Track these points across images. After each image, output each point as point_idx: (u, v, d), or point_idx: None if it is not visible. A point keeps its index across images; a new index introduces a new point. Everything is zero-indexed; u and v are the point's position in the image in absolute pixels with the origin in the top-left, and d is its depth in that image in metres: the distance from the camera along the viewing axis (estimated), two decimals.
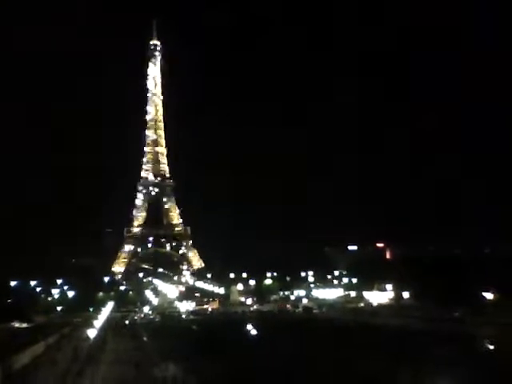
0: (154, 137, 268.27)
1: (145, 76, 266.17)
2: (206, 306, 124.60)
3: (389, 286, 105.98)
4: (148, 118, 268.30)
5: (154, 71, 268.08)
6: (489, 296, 67.21)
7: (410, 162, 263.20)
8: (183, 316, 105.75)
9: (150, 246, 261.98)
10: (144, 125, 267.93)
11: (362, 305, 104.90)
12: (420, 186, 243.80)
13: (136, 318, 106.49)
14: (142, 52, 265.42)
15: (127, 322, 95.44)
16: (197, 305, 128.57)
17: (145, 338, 63.11)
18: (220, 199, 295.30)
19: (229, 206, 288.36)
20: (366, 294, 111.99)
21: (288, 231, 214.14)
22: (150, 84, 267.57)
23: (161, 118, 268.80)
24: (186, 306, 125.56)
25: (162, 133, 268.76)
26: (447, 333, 48.31)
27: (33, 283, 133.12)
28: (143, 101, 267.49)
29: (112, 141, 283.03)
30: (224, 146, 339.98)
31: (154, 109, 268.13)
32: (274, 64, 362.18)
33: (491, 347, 42.90)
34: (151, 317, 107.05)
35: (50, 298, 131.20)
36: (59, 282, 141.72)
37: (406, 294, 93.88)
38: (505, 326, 48.33)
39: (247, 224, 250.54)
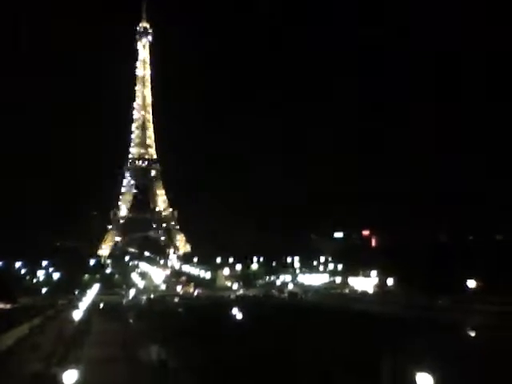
0: (142, 120, 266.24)
1: (135, 59, 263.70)
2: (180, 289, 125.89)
3: (373, 273, 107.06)
4: (136, 101, 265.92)
5: (143, 54, 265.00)
6: (472, 284, 68.19)
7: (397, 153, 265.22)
8: (168, 298, 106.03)
9: (136, 229, 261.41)
10: (132, 108, 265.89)
11: (346, 291, 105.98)
12: (405, 175, 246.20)
13: (122, 300, 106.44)
14: (133, 35, 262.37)
15: (113, 304, 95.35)
16: (182, 288, 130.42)
17: (130, 320, 63.23)
18: (207, 184, 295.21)
19: (216, 190, 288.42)
20: (351, 281, 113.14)
21: (275, 217, 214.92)
22: (139, 67, 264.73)
23: (149, 101, 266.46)
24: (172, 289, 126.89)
25: (149, 117, 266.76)
26: (428, 320, 49.02)
27: (18, 264, 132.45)
28: (132, 84, 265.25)
29: (99, 124, 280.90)
30: (214, 132, 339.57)
31: (143, 92, 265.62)
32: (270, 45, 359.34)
33: (472, 334, 43.71)
34: (137, 299, 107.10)
35: (35, 280, 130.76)
36: (44, 263, 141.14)
37: (390, 281, 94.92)
38: (487, 314, 49.17)
39: (235, 209, 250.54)
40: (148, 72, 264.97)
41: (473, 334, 43.89)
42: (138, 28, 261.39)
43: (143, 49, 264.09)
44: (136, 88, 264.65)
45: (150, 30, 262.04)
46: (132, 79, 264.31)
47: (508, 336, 37.89)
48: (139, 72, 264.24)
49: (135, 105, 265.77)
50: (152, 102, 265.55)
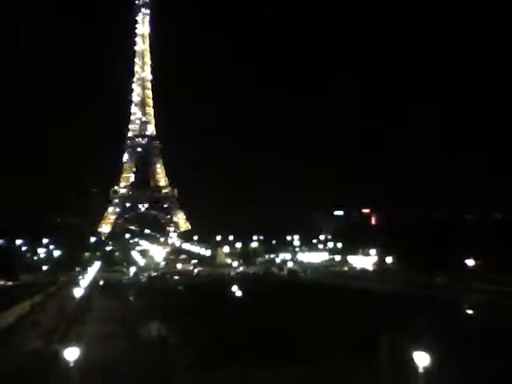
0: (142, 97, 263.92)
1: (134, 35, 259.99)
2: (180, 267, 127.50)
3: (373, 251, 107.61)
4: (136, 77, 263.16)
5: (142, 29, 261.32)
6: (470, 263, 68.52)
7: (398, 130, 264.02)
8: (168, 276, 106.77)
9: (136, 207, 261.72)
10: (132, 84, 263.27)
11: (345, 269, 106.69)
12: (407, 153, 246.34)
13: (122, 278, 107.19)
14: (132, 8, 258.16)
15: (113, 282, 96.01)
16: (182, 265, 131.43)
17: (131, 298, 63.71)
18: (208, 162, 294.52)
19: (217, 169, 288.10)
20: (351, 259, 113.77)
21: (275, 195, 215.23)
22: (138, 42, 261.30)
23: (149, 77, 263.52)
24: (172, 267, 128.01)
25: (149, 93, 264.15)
26: (426, 297, 49.34)
27: (18, 242, 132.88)
28: (132, 60, 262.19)
29: (99, 100, 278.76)
30: (216, 108, 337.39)
31: (142, 68, 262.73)
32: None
33: (469, 312, 44.05)
34: (137, 277, 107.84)
35: (35, 257, 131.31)
36: (45, 241, 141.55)
37: (389, 259, 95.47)
38: (484, 293, 49.46)
39: (235, 187, 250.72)
40: (147, 47, 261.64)
41: (469, 311, 44.24)
42: (137, 1, 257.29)
43: (142, 23, 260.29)
44: (135, 63, 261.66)
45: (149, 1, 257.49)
46: (131, 55, 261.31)
47: (504, 314, 38.19)
48: (138, 47, 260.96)
49: (134, 80, 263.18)
50: (152, 77, 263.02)
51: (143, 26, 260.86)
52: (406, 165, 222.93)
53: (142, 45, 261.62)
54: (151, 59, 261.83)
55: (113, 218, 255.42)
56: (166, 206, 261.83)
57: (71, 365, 20.32)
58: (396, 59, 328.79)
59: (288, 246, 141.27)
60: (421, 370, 18.11)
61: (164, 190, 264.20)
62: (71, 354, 21.24)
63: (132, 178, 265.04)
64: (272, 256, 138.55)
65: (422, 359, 18.24)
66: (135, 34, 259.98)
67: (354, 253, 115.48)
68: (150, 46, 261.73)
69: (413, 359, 18.77)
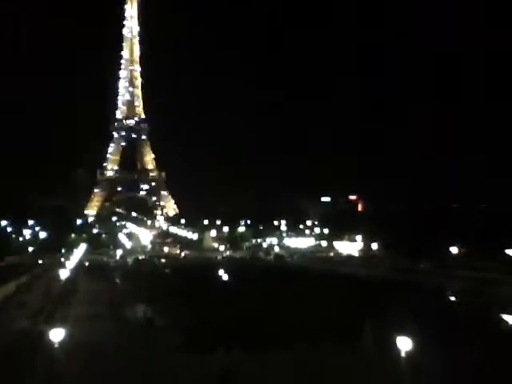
0: (130, 77, 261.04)
1: (122, 13, 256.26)
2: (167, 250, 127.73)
3: (359, 238, 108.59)
4: (123, 57, 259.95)
5: (130, 8, 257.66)
6: (455, 250, 69.54)
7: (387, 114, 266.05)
8: (155, 259, 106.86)
9: (123, 190, 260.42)
10: (120, 65, 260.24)
11: (331, 254, 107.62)
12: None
13: (109, 260, 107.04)
14: None
15: (100, 264, 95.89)
16: (169, 248, 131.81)
17: (117, 280, 63.72)
18: (196, 145, 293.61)
19: (205, 152, 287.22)
20: (337, 245, 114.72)
21: (263, 180, 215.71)
22: (126, 22, 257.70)
23: (137, 58, 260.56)
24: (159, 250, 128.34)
25: (137, 74, 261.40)
26: (409, 283, 50.15)
27: (3, 223, 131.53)
28: (119, 40, 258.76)
29: (86, 81, 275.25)
30: (204, 91, 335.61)
31: (130, 48, 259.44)
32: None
33: (452, 299, 44.85)
34: (124, 260, 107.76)
35: (21, 239, 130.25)
36: (31, 222, 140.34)
37: (375, 246, 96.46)
38: (466, 280, 50.36)
39: (222, 171, 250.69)
40: (136, 28, 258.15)
41: (451, 297, 45.06)
42: None
43: (131, 5, 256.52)
44: (123, 44, 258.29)
45: None
46: (120, 34, 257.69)
47: (480, 302, 39.00)
48: (126, 28, 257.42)
49: (122, 62, 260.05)
50: (140, 57, 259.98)
51: (131, 7, 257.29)
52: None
53: (130, 28, 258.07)
54: (140, 43, 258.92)
55: (99, 200, 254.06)
56: (153, 189, 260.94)
57: (56, 345, 20.42)
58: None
59: (275, 231, 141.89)
60: (403, 354, 18.54)
61: (151, 173, 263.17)
62: (57, 334, 21.35)
63: (119, 160, 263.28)
64: (259, 241, 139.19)
65: (403, 344, 18.70)
66: (124, 17, 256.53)
67: (340, 239, 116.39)
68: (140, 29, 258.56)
69: (395, 344, 19.22)
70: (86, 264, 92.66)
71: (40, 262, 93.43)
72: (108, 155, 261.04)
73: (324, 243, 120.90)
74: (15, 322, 32.91)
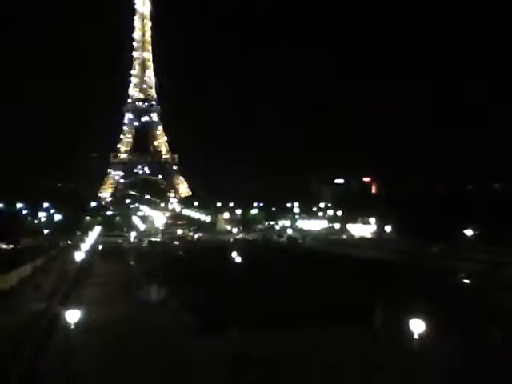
0: (142, 59, 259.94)
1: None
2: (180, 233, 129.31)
3: (372, 220, 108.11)
4: (135, 39, 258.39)
5: None
6: (469, 233, 68.94)
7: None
8: (169, 241, 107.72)
9: (137, 172, 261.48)
10: (132, 47, 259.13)
11: (344, 237, 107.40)
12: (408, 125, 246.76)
13: (123, 242, 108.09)
14: None
15: (114, 246, 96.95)
16: (182, 231, 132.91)
17: (131, 262, 64.40)
18: (209, 127, 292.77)
19: (218, 135, 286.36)
20: (350, 227, 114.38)
21: (276, 163, 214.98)
22: (138, 3, 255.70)
23: (149, 39, 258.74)
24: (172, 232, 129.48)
25: (149, 55, 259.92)
26: (420, 266, 49.95)
27: (19, 206, 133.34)
28: (132, 21, 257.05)
29: (99, 64, 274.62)
30: (217, 75, 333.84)
31: (142, 29, 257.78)
32: None
33: (466, 281, 44.53)
34: (138, 242, 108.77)
35: (36, 221, 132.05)
36: (46, 205, 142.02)
37: (388, 228, 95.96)
38: (480, 263, 49.87)
39: (236, 154, 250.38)
40: (148, 9, 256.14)
41: (465, 280, 44.73)
42: None
43: None
44: (135, 26, 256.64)
45: None
46: (132, 16, 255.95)
47: (493, 285, 38.71)
48: (139, 8, 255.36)
49: (134, 44, 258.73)
50: (152, 39, 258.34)
51: None
52: (419, 144, 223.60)
53: (142, 6, 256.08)
54: (152, 21, 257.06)
55: (113, 183, 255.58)
56: (166, 171, 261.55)
57: (72, 326, 20.71)
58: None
59: (288, 214, 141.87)
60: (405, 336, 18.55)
61: (164, 156, 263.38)
62: (72, 315, 21.63)
63: (132, 142, 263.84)
64: (272, 223, 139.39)
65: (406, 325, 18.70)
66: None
67: (354, 221, 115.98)
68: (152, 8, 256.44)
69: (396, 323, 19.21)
70: (101, 246, 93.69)
71: (55, 244, 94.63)
72: (121, 137, 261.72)
73: (337, 226, 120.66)
74: (31, 304, 33.49)
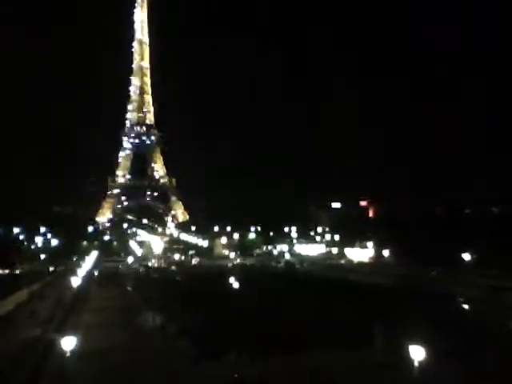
0: (140, 84, 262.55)
1: (132, 21, 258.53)
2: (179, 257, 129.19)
3: (370, 244, 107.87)
4: (134, 64, 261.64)
5: (140, 16, 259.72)
6: (467, 257, 68.80)
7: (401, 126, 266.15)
8: (166, 266, 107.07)
9: (134, 196, 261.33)
10: (131, 72, 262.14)
11: (342, 262, 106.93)
12: (406, 148, 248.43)
13: (120, 267, 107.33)
14: None
15: (111, 271, 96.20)
16: (180, 256, 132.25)
17: (129, 288, 63.87)
18: (207, 153, 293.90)
19: (215, 159, 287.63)
20: (348, 251, 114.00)
21: (274, 187, 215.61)
22: (136, 29, 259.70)
23: (147, 65, 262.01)
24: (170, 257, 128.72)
25: (148, 80, 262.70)
26: (418, 290, 49.65)
27: (16, 230, 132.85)
28: (131, 47, 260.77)
29: (98, 89, 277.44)
30: (216, 98, 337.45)
31: (140, 55, 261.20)
32: None
33: (466, 306, 44.26)
34: (135, 267, 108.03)
35: (33, 246, 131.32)
36: (43, 230, 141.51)
37: (386, 253, 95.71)
38: (478, 287, 49.61)
39: (232, 178, 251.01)
40: (146, 35, 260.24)
41: (465, 305, 44.45)
42: None
43: (141, 10, 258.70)
44: (133, 50, 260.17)
45: None
46: (131, 41, 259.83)
47: (489, 310, 38.48)
48: (137, 35, 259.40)
49: (133, 68, 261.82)
50: (151, 64, 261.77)
51: (142, 11, 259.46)
52: (417, 167, 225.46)
53: (140, 32, 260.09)
54: (150, 47, 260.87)
55: (111, 207, 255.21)
56: (163, 195, 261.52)
57: (67, 353, 20.50)
58: (396, 59, 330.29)
59: (285, 238, 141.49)
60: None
61: (162, 180, 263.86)
62: (68, 342, 21.44)
63: (130, 166, 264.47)
64: (269, 247, 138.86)
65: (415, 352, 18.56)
66: (133, 21, 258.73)
67: (351, 245, 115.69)
68: (149, 33, 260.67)
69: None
70: (98, 271, 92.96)
71: (52, 269, 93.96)
72: (119, 162, 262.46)
73: (335, 250, 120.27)
74: (27, 330, 33.10)
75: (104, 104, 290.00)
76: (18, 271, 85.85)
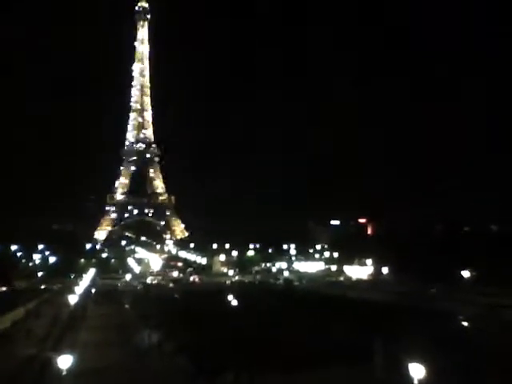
0: (140, 103, 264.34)
1: (133, 39, 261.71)
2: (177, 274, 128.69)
3: (369, 261, 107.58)
4: (134, 82, 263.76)
5: (142, 34, 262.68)
6: (466, 274, 68.63)
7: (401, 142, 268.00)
8: (164, 284, 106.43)
9: (133, 214, 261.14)
10: (130, 90, 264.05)
11: (341, 279, 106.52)
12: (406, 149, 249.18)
13: (118, 285, 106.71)
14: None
15: (109, 289, 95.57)
16: (178, 273, 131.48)
17: (126, 305, 63.42)
18: (205, 171, 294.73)
19: (214, 177, 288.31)
20: (347, 269, 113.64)
21: (272, 204, 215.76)
22: (137, 47, 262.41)
23: (147, 83, 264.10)
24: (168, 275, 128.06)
25: (147, 99, 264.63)
26: (417, 308, 49.34)
27: (14, 248, 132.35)
28: (131, 65, 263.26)
29: (97, 106, 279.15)
30: (215, 114, 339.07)
31: (141, 73, 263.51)
32: None
33: (465, 324, 43.95)
34: (133, 285, 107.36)
35: (30, 263, 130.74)
36: (40, 247, 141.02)
37: (385, 270, 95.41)
38: (477, 305, 49.33)
39: (231, 196, 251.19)
40: (147, 52, 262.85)
41: (464, 323, 44.15)
42: (136, 8, 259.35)
43: (142, 28, 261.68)
44: (134, 69, 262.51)
45: (148, 8, 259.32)
46: (131, 60, 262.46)
47: (488, 329, 38.19)
48: (138, 51, 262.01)
49: (133, 86, 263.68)
50: (151, 83, 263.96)
51: (142, 30, 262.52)
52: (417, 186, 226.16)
53: (141, 50, 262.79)
54: (150, 65, 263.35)
55: (109, 224, 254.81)
56: (162, 213, 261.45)
57: (64, 372, 20.30)
58: (396, 59, 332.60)
59: (284, 255, 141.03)
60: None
61: (161, 197, 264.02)
62: (64, 361, 21.26)
63: (129, 184, 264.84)
64: (268, 265, 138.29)
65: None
66: (135, 39, 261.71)
67: (350, 263, 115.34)
68: (150, 52, 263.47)
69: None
70: (95, 289, 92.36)
71: (49, 287, 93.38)
72: (118, 179, 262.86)
73: (334, 267, 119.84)
74: (23, 349, 32.79)
75: (104, 121, 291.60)
76: (14, 289, 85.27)
